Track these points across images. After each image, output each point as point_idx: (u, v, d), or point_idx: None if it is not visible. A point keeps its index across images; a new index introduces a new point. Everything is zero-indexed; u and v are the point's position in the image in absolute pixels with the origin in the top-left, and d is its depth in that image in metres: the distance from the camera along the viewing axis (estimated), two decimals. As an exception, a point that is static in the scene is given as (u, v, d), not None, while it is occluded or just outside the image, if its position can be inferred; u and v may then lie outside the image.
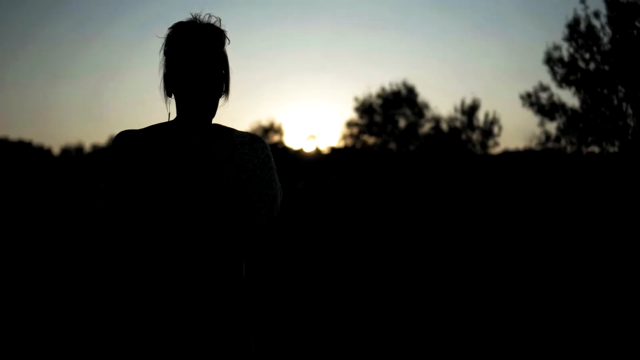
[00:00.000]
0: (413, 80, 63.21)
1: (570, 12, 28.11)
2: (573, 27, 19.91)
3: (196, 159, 1.78)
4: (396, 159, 35.14)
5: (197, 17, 1.82)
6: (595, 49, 19.74)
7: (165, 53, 1.83)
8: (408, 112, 35.92)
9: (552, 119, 20.40)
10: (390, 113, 36.02)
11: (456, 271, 9.46)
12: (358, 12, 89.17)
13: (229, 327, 1.78)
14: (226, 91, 1.88)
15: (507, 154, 33.54)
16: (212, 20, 1.84)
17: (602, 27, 19.79)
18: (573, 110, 20.07)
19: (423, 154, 34.26)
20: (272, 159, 1.90)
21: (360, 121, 37.09)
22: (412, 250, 11.80)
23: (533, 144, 20.79)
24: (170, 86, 1.84)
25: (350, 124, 37.53)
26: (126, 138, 1.83)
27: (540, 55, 37.94)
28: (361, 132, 37.06)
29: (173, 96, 1.87)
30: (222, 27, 1.86)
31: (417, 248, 12.07)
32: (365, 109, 36.67)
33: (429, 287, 8.24)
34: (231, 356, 1.78)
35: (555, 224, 17.53)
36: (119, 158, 1.80)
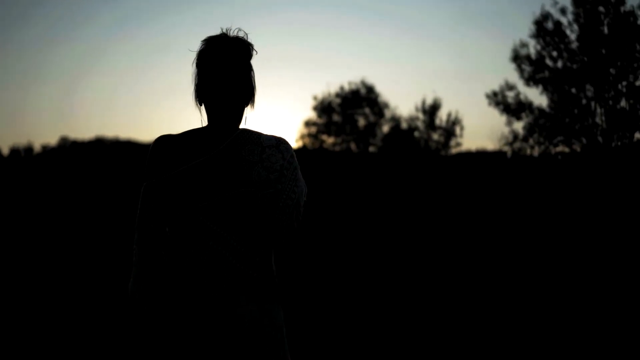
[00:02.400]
0: (375, 80, 62.65)
1: (537, 8, 27.69)
2: (540, 24, 19.37)
3: (229, 161, 1.91)
4: (348, 159, 34.37)
5: (228, 31, 2.00)
6: (562, 46, 19.25)
7: (197, 66, 1.99)
8: (368, 111, 35.17)
9: (518, 118, 19.81)
10: (349, 112, 35.17)
11: (417, 271, 9.39)
12: (317, 10, 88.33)
13: (263, 319, 1.91)
14: (252, 101, 2.04)
15: (460, 155, 33.18)
16: (241, 35, 2.00)
17: (570, 23, 19.32)
18: (540, 109, 19.55)
19: (381, 154, 33.62)
20: (296, 159, 2.01)
21: (319, 120, 36.16)
22: (372, 251, 11.41)
23: (500, 145, 20.15)
24: (201, 96, 1.99)
25: (308, 123, 36.55)
26: (164, 142, 1.97)
27: (507, 54, 37.61)
28: (320, 131, 36.12)
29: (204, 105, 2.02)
30: (250, 41, 2.02)
31: (377, 248, 11.59)
32: (324, 108, 35.72)
33: (391, 288, 8.13)
34: (265, 349, 1.90)
35: (510, 222, 16.89)
36: (158, 161, 1.95)
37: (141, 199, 1.97)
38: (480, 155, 35.09)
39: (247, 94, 2.01)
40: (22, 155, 67.27)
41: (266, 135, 1.98)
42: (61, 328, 5.68)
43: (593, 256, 10.69)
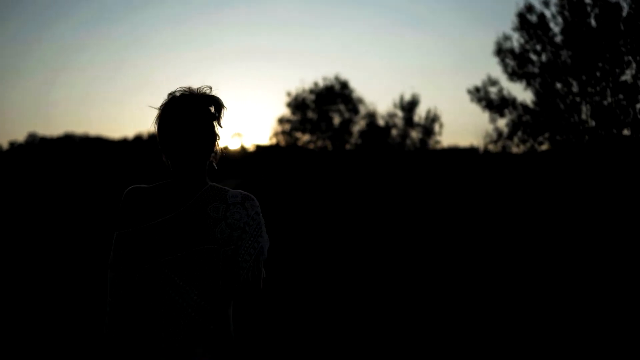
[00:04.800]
0: (351, 76, 61.29)
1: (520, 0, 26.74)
2: (523, 16, 18.54)
3: (195, 218, 2.00)
4: (323, 157, 33.37)
5: (189, 89, 2.04)
6: (546, 39, 18.44)
7: (159, 120, 2.04)
8: (342, 108, 34.14)
9: (501, 114, 18.98)
10: (324, 109, 34.13)
11: (396, 268, 9.34)
12: (290, 4, 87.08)
13: None
14: (215, 150, 2.09)
15: (435, 151, 32.30)
16: (206, 90, 2.05)
17: (554, 16, 18.53)
18: (524, 105, 18.73)
19: (356, 152, 32.68)
20: (261, 214, 2.09)
21: (292, 117, 35.02)
22: (350, 249, 11.33)
23: (484, 143, 19.30)
24: (165, 150, 2.05)
25: (282, 120, 35.36)
26: (135, 195, 2.08)
27: (490, 48, 36.88)
28: (294, 129, 34.99)
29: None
30: (215, 95, 2.06)
31: (355, 246, 11.46)
32: (298, 104, 34.58)
33: (370, 285, 8.17)
34: None
35: (485, 217, 16.20)
36: (129, 212, 2.05)
37: (114, 247, 2.06)
38: (453, 152, 34.52)
39: (209, 147, 2.05)
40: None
41: (232, 191, 2.07)
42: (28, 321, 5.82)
43: (579, 252, 10.52)
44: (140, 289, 1.97)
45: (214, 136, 2.06)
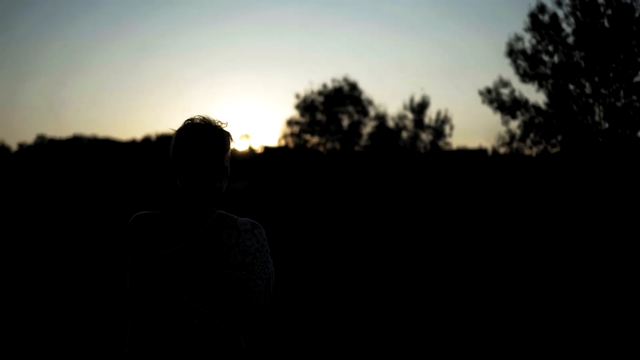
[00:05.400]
0: (361, 78, 60.86)
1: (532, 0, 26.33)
2: (535, 17, 18.36)
3: (209, 244, 2.06)
4: (332, 159, 33.22)
5: (205, 119, 2.10)
6: (558, 40, 18.26)
7: (174, 147, 2.08)
8: (351, 109, 33.95)
9: (513, 116, 18.79)
10: (333, 111, 33.96)
11: (400, 271, 9.40)
12: (300, 7, 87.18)
13: None
14: (225, 180, 2.14)
15: (444, 152, 32.10)
16: (219, 124, 2.11)
17: (566, 16, 18.34)
18: (536, 107, 18.54)
19: (366, 154, 32.49)
20: (267, 242, 2.18)
21: (301, 119, 34.88)
22: (358, 251, 11.18)
23: (497, 145, 19.12)
24: (177, 175, 2.08)
25: (290, 122, 35.22)
26: (143, 222, 2.12)
27: (500, 49, 36.49)
28: (302, 131, 34.85)
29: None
30: (227, 130, 2.13)
31: (362, 249, 11.29)
32: (306, 106, 34.43)
33: (377, 286, 8.24)
34: None
35: (492, 219, 16.03)
36: (140, 240, 2.09)
37: (129, 275, 2.09)
38: (462, 154, 34.30)
39: (219, 176, 2.10)
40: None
41: (241, 219, 2.14)
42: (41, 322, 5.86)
43: (593, 254, 10.41)
44: (161, 316, 2.02)
45: (223, 169, 2.11)
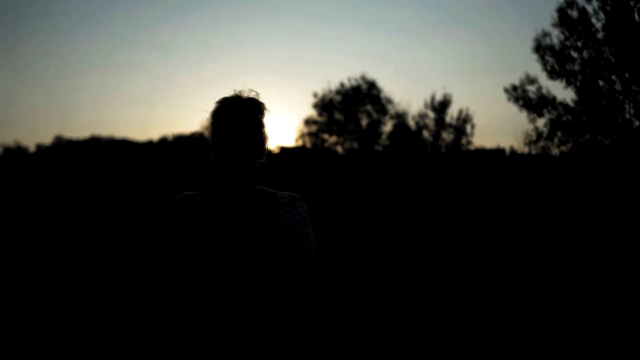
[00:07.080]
0: (380, 76, 60.23)
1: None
2: (563, 12, 17.84)
3: (249, 220, 2.05)
4: (351, 159, 32.78)
5: (240, 92, 2.10)
6: (587, 35, 17.72)
7: (212, 125, 2.09)
8: (370, 108, 33.46)
9: (540, 114, 18.26)
10: (351, 110, 33.50)
11: (422, 272, 9.37)
12: (318, 5, 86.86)
13: None
14: (264, 154, 2.14)
15: (463, 152, 31.59)
16: (252, 95, 2.10)
17: (595, 11, 17.80)
18: (564, 104, 18.00)
19: (384, 154, 32.01)
20: (308, 214, 2.17)
21: (319, 119, 34.45)
22: (377, 252, 11.14)
23: (524, 144, 18.61)
24: (217, 154, 2.07)
25: (308, 122, 34.81)
26: (187, 202, 2.11)
27: (524, 46, 35.90)
28: (320, 130, 34.42)
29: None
30: (261, 100, 2.12)
31: (381, 250, 11.21)
32: (324, 105, 34.00)
33: (394, 288, 8.19)
34: None
35: (511, 220, 15.59)
36: (184, 220, 2.08)
37: (173, 254, 2.07)
38: (479, 154, 33.76)
39: (260, 150, 2.10)
40: (16, 155, 66.33)
41: (281, 193, 2.18)
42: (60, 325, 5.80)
43: (608, 257, 10.27)
44: (204, 292, 2.02)
45: (263, 139, 2.10)
